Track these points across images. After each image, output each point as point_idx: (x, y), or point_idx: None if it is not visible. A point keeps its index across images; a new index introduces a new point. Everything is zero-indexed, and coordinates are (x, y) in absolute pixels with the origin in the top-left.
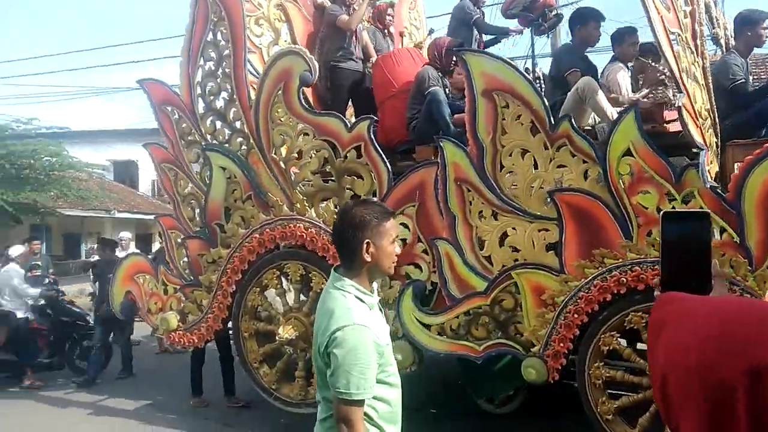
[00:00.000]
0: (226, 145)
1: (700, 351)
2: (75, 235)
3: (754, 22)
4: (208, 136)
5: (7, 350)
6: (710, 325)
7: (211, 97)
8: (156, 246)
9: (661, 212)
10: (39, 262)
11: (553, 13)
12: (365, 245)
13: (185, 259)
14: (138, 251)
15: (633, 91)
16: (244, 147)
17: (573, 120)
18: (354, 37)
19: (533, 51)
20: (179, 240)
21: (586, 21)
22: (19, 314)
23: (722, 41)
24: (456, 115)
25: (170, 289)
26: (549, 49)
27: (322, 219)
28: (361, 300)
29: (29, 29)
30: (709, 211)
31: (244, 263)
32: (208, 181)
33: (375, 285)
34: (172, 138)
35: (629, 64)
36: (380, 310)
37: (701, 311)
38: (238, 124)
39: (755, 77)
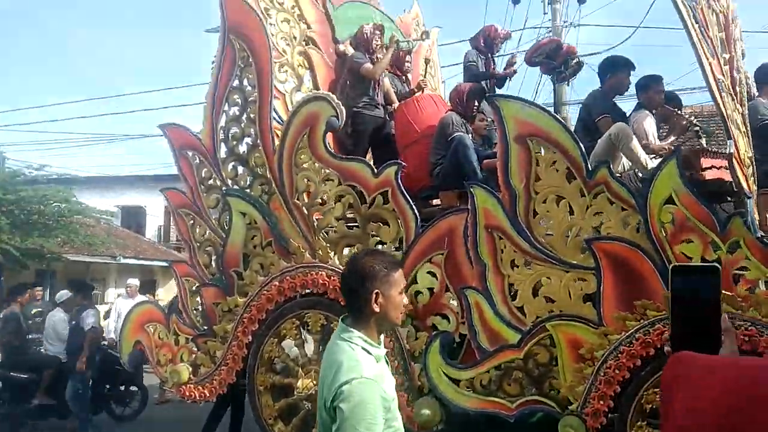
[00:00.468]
0: (247, 190)
1: (718, 411)
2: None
3: None
4: (229, 182)
5: (50, 394)
6: (726, 385)
7: (234, 142)
8: (160, 292)
9: (671, 266)
10: (41, 309)
11: (575, 61)
12: (374, 295)
13: (198, 307)
14: (150, 299)
15: (660, 139)
16: (265, 193)
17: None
18: (376, 84)
19: (555, 98)
20: (194, 288)
21: (617, 69)
22: (63, 358)
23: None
24: (484, 161)
25: (182, 340)
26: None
27: None
28: (369, 352)
29: (40, 77)
30: (718, 266)
31: (262, 312)
32: (227, 227)
33: (382, 337)
34: (191, 183)
35: (653, 112)
36: (386, 362)
37: (715, 371)
38: (260, 170)
39: None
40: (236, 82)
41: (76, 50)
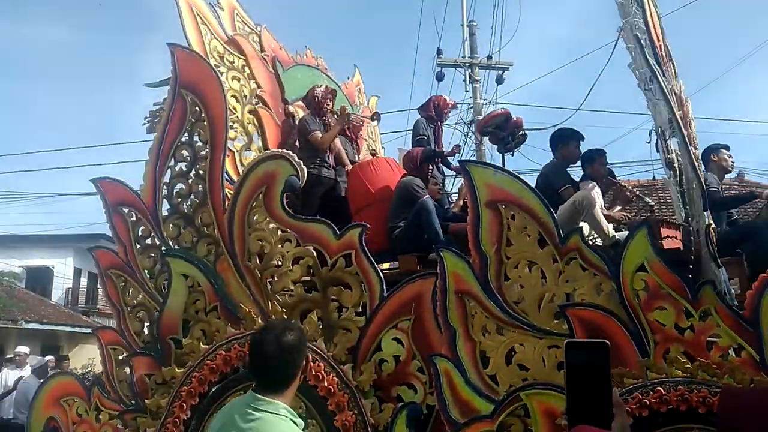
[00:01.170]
0: (191, 251)
1: None
2: None
3: (716, 149)
4: (170, 241)
5: None
6: None
7: (179, 200)
8: (68, 363)
9: (565, 341)
10: None
11: (521, 132)
12: (301, 368)
13: (126, 380)
14: (66, 371)
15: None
16: (212, 253)
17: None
18: (328, 147)
19: (504, 165)
20: (121, 357)
21: (567, 141)
22: None
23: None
24: (451, 225)
25: (104, 416)
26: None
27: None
28: (296, 423)
29: None
30: (607, 342)
31: (204, 384)
32: (164, 290)
33: None
34: (125, 241)
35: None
36: None
37: None
38: (207, 229)
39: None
40: (185, 137)
41: None
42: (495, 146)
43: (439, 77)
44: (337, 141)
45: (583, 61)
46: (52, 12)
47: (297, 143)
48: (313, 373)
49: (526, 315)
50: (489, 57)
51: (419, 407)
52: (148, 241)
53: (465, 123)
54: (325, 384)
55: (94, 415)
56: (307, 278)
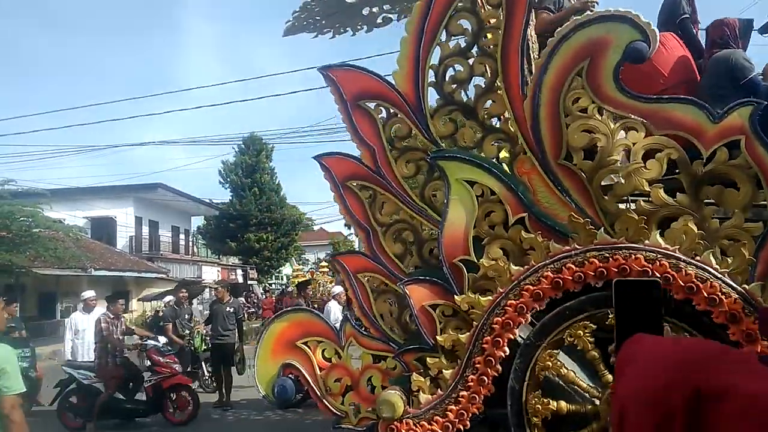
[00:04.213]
0: (473, 151)
1: (652, 382)
2: (50, 295)
3: None
4: (441, 141)
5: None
6: (660, 360)
7: (454, 86)
8: (134, 305)
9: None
10: (13, 325)
11: None
12: None
13: (389, 314)
14: (304, 306)
15: None
16: (505, 153)
17: None
18: None
19: None
20: (379, 287)
21: None
22: None
23: None
24: None
25: (366, 358)
26: None
27: (678, 247)
28: None
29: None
30: (659, 280)
31: (524, 314)
32: (432, 202)
33: None
34: (374, 144)
35: None
36: None
37: (657, 349)
38: (495, 122)
39: None
40: (463, 2)
41: (30, 59)
42: None
43: None
44: None
45: None
46: None
47: None
48: (705, 295)
49: None
50: None
51: None
52: (407, 142)
53: None
54: (725, 308)
55: (349, 357)
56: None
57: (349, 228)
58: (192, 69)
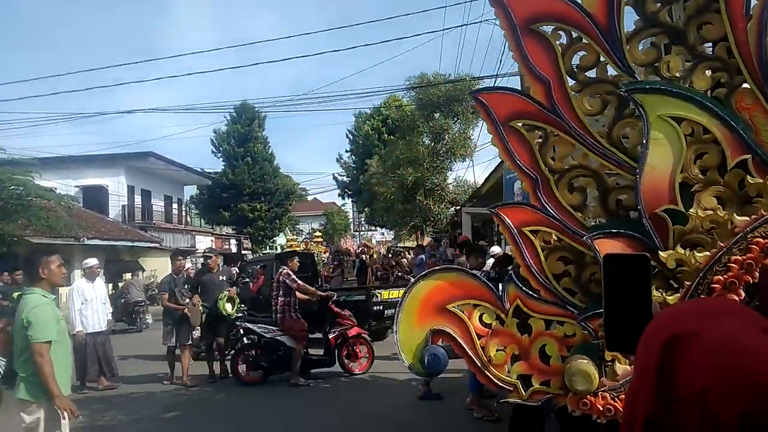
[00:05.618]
0: (680, 83)
1: (649, 332)
2: None
3: None
4: (637, 71)
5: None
6: (664, 312)
7: (658, 5)
8: (130, 277)
9: (603, 255)
10: (21, 292)
11: None
12: None
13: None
14: (457, 266)
15: None
16: (721, 84)
17: None
18: None
19: None
20: (552, 243)
21: None
22: None
23: None
24: None
25: (537, 324)
26: None
27: None
28: None
29: None
30: (648, 255)
31: (753, 272)
32: (643, 143)
33: None
34: (550, 76)
35: None
36: None
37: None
38: (710, 49)
39: None
40: None
41: (15, 23)
42: None
43: None
44: None
45: None
46: None
47: None
48: None
49: None
50: None
51: None
52: (593, 73)
53: None
54: None
55: (515, 323)
56: None
57: (343, 198)
58: (184, 36)
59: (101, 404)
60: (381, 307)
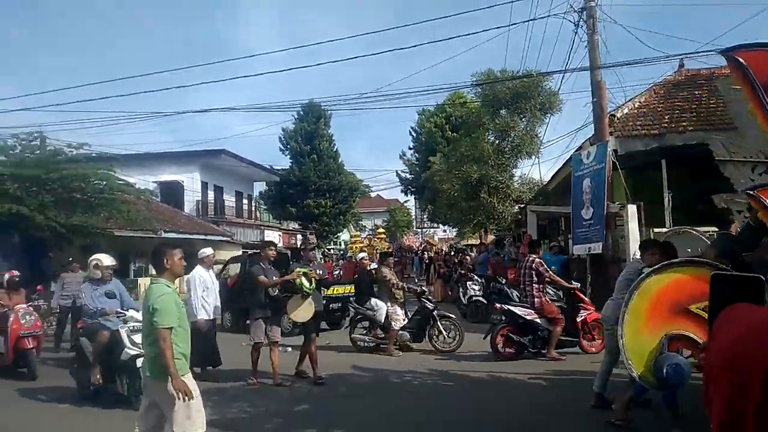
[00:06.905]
0: None
1: (732, 346)
2: (123, 256)
3: None
4: None
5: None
6: (745, 327)
7: None
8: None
9: (711, 274)
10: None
11: None
12: None
13: None
14: (704, 260)
15: None
16: None
17: None
18: None
19: None
20: None
21: None
22: None
23: None
24: None
25: None
26: None
27: None
28: None
29: (78, 61)
30: (762, 277)
31: None
32: None
33: None
34: None
35: None
36: None
37: (744, 317)
38: None
39: None
40: None
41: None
42: None
43: None
44: None
45: None
46: None
47: None
48: None
49: None
50: None
51: None
52: None
53: None
54: None
55: None
56: None
57: (406, 195)
58: (254, 39)
59: (219, 396)
60: None
